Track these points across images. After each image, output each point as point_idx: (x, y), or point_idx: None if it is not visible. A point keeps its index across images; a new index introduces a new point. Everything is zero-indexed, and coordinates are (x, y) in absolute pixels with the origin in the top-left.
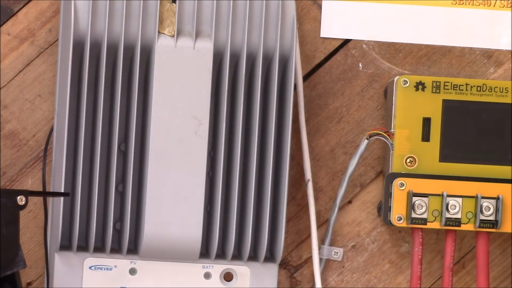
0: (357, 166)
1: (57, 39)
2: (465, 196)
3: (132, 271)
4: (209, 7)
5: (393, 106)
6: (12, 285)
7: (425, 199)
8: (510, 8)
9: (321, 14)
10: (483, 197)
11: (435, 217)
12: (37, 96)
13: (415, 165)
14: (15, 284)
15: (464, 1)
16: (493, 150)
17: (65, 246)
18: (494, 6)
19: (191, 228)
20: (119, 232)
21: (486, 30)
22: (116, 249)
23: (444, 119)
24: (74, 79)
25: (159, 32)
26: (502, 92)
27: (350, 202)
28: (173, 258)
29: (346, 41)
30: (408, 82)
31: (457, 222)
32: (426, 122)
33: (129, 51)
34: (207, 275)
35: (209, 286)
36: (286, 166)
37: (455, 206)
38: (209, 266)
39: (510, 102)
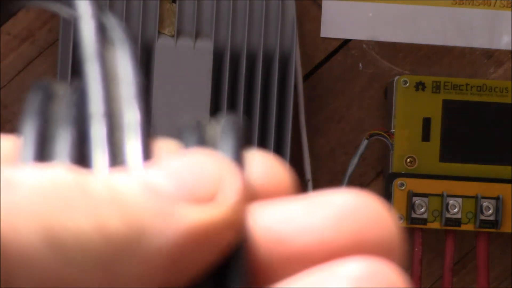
0: (357, 166)
1: (57, 39)
2: (465, 196)
3: None
4: (209, 7)
5: (393, 106)
6: None
7: (425, 199)
8: (510, 8)
9: (321, 14)
10: (483, 197)
11: (435, 217)
12: None
13: (415, 165)
14: None
15: (464, 1)
16: (493, 150)
17: None
18: (494, 6)
19: None
20: None
21: (486, 30)
22: None
23: (444, 119)
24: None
25: (159, 32)
26: (502, 92)
27: None
28: None
29: (346, 41)
30: (408, 82)
31: (457, 222)
32: (426, 122)
33: None
34: None
35: None
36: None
37: (455, 206)
38: None
39: (510, 102)
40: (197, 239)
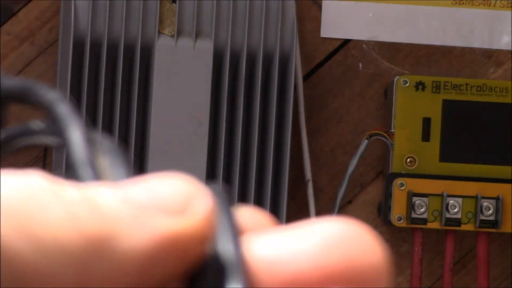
0: (357, 166)
1: (57, 39)
2: (465, 196)
3: None
4: (209, 7)
5: (393, 106)
6: None
7: (425, 199)
8: (510, 8)
9: (321, 14)
10: (483, 197)
11: (435, 217)
12: None
13: (415, 165)
14: None
15: (464, 1)
16: (493, 150)
17: None
18: (494, 6)
19: None
20: None
21: (486, 30)
22: None
23: (444, 119)
24: (74, 79)
25: (159, 32)
26: (502, 92)
27: (350, 202)
28: None
29: (346, 41)
30: (408, 82)
31: (457, 222)
32: (426, 122)
33: (129, 51)
34: None
35: None
36: (286, 166)
37: (455, 206)
38: None
39: (510, 102)
40: (167, 246)
